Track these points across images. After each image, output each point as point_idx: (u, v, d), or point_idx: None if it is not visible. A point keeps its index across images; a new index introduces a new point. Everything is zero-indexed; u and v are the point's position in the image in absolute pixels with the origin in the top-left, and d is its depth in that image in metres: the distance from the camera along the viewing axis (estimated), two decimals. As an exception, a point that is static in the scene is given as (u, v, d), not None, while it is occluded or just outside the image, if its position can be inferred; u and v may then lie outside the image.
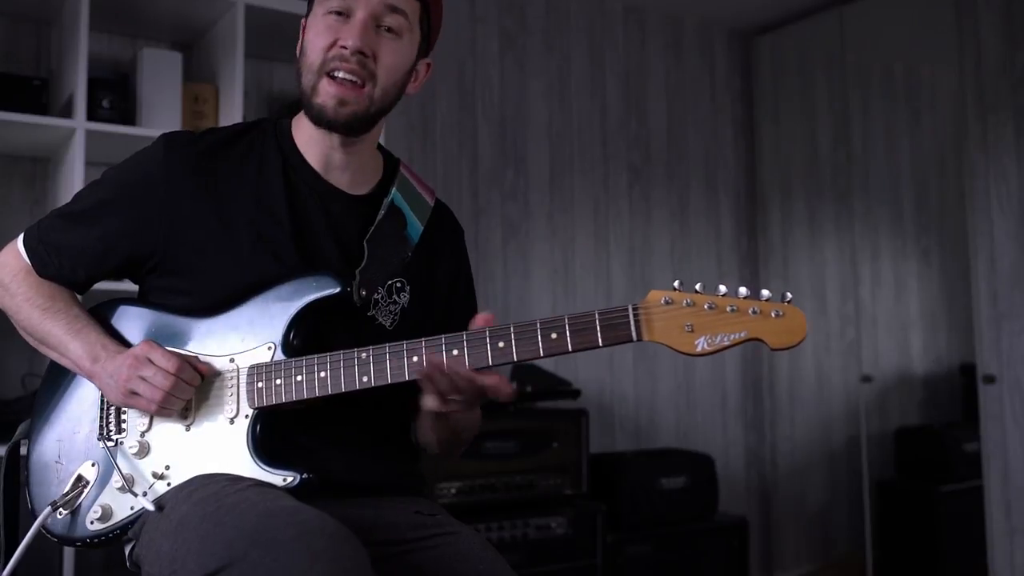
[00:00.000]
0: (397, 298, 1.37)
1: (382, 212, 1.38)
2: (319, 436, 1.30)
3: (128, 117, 2.54)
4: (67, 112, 2.44)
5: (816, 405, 3.92)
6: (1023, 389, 3.00)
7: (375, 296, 1.34)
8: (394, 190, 1.41)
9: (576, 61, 3.68)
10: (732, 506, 3.61)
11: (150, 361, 1.24)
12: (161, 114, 2.53)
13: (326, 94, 1.28)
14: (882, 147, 3.90)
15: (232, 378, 1.28)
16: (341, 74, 1.27)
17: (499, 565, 1.25)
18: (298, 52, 1.34)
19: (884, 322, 3.77)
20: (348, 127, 1.30)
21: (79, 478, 1.30)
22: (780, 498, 3.93)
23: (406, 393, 1.46)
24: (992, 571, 3.02)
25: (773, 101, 4.06)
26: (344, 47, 1.26)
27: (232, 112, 2.56)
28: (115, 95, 2.48)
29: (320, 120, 1.30)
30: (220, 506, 1.12)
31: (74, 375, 1.36)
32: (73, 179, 2.34)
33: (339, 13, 1.28)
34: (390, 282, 1.36)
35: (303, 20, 1.36)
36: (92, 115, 2.41)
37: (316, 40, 1.29)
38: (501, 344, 1.18)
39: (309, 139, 1.35)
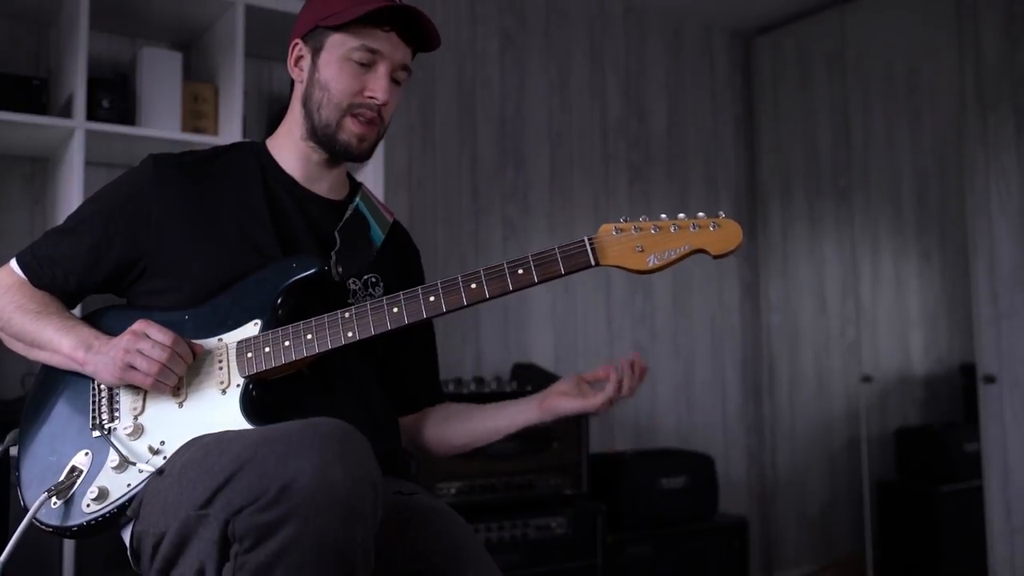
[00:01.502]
0: (373, 292, 1.48)
1: (349, 212, 1.52)
2: (308, 411, 1.33)
3: (128, 117, 2.53)
4: (67, 112, 2.43)
5: (816, 405, 3.92)
6: (1023, 389, 3.00)
7: (353, 287, 1.46)
8: (358, 199, 1.56)
9: (576, 61, 3.68)
10: (732, 506, 3.60)
11: (147, 335, 1.30)
12: (161, 114, 2.53)
13: (351, 133, 1.43)
14: (882, 146, 3.90)
15: (221, 354, 1.34)
16: (364, 118, 1.43)
17: (467, 536, 1.33)
18: (304, 70, 1.46)
19: (884, 322, 3.77)
20: (366, 157, 1.47)
21: (73, 468, 1.32)
22: (780, 498, 3.93)
23: (392, 377, 1.59)
24: (992, 571, 3.02)
25: (773, 101, 4.06)
26: (373, 98, 1.42)
27: (232, 112, 2.56)
28: (115, 95, 2.48)
29: (346, 154, 1.45)
30: (220, 439, 1.17)
31: (63, 378, 1.40)
32: (73, 179, 2.34)
33: (361, 63, 1.42)
34: (366, 276, 1.48)
35: (310, 43, 1.45)
36: (92, 115, 2.41)
37: (341, 80, 1.42)
38: (474, 286, 1.30)
39: (294, 155, 1.49)
